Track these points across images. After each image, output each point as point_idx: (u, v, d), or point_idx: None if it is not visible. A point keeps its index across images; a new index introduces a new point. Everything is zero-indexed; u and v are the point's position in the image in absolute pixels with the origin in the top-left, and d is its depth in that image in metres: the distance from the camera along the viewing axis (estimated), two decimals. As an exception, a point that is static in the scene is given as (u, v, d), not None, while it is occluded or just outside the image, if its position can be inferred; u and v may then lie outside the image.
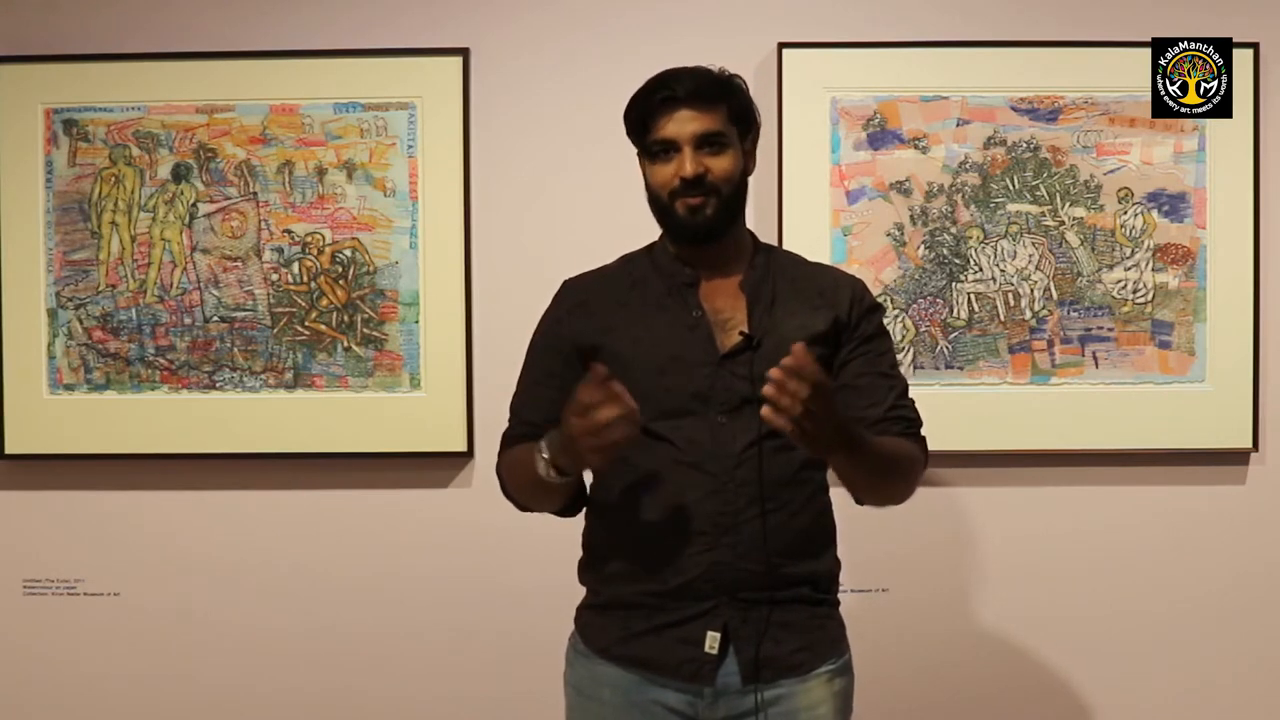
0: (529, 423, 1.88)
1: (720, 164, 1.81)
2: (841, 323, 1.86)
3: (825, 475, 1.86)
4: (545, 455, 1.72)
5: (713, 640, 1.77)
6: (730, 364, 1.80)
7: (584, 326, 1.87)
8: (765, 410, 1.56)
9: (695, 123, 1.79)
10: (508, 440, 1.93)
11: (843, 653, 1.88)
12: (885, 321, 1.95)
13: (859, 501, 1.88)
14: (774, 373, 1.55)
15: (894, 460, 1.81)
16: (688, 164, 1.79)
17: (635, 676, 1.81)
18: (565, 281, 1.96)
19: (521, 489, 1.87)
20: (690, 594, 1.78)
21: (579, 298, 1.92)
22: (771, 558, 1.78)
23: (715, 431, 1.78)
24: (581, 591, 1.93)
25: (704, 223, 1.81)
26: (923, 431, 1.91)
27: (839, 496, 1.89)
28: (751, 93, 1.88)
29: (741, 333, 1.81)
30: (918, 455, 1.86)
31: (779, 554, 1.79)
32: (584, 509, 1.92)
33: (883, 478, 1.81)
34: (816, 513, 1.86)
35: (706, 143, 1.80)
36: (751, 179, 1.90)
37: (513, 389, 2.57)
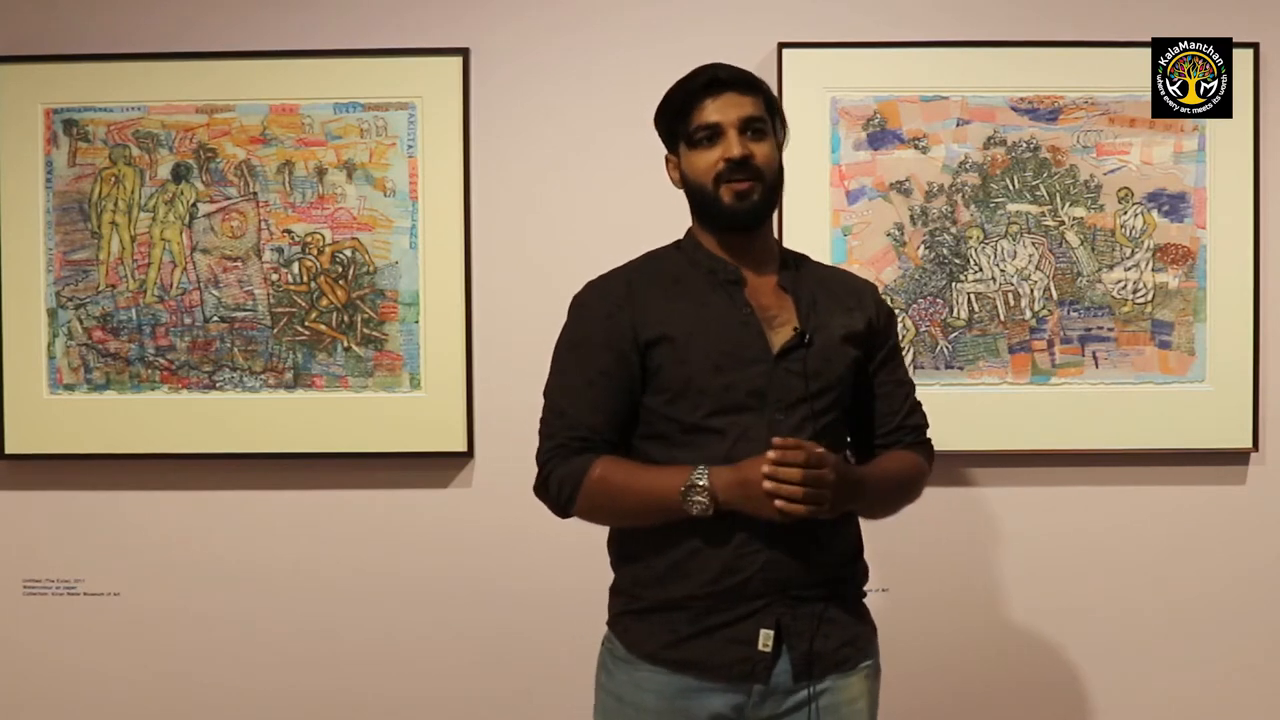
0: (590, 427, 1.81)
1: (763, 150, 1.82)
2: (874, 326, 1.90)
3: None
4: (706, 488, 1.71)
5: (766, 638, 1.77)
6: (785, 361, 1.80)
7: (640, 319, 1.82)
8: (781, 503, 1.65)
9: (739, 107, 1.80)
10: (564, 449, 1.82)
11: (877, 649, 1.91)
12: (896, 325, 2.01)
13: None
14: (766, 469, 1.65)
15: (898, 485, 1.89)
16: (734, 146, 1.79)
17: (683, 681, 1.79)
18: (597, 279, 1.90)
19: (626, 512, 1.81)
20: (743, 593, 1.77)
21: (624, 290, 1.86)
22: (823, 553, 1.80)
23: (772, 429, 1.76)
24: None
25: (750, 208, 1.81)
26: (929, 433, 1.97)
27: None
28: None
29: (795, 329, 1.81)
30: (923, 466, 1.94)
31: (829, 550, 1.81)
32: None
33: (889, 505, 1.90)
34: (854, 512, 1.89)
35: (749, 127, 1.81)
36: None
37: (512, 389, 2.59)
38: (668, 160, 1.91)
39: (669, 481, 1.74)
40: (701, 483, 1.71)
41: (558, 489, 1.82)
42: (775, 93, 2.51)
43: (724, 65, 1.84)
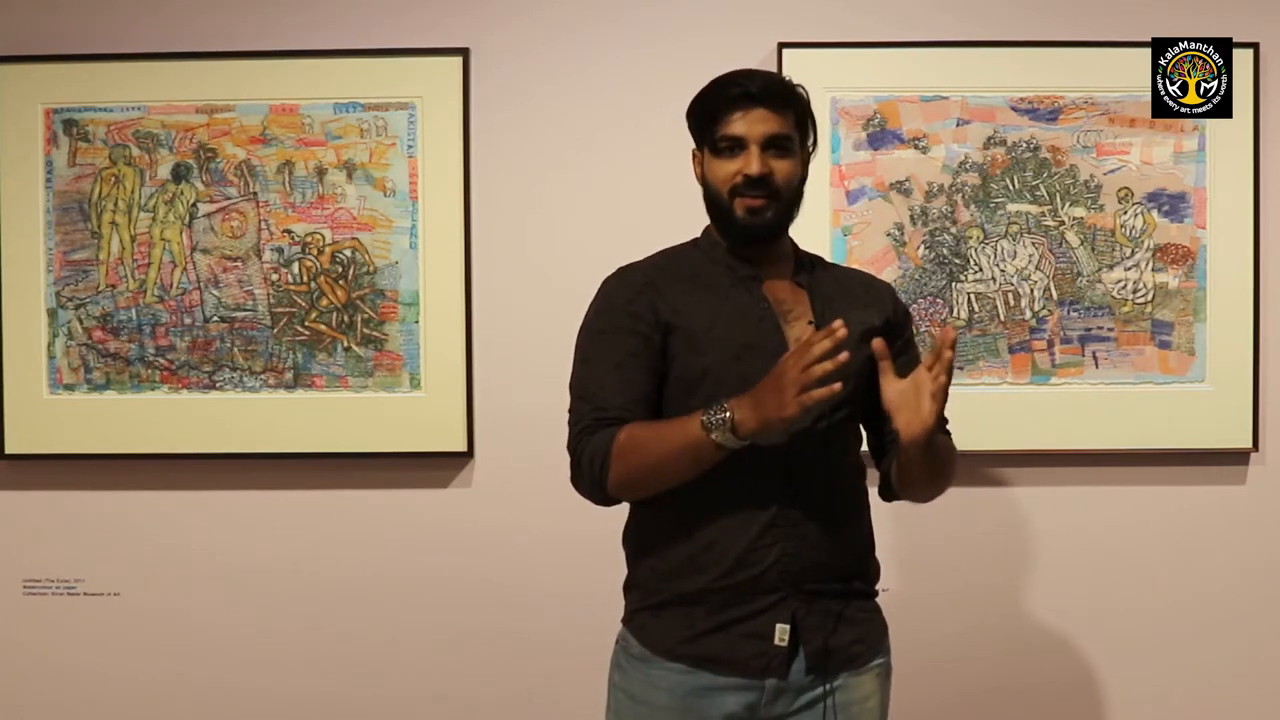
0: (620, 407, 1.79)
1: (784, 167, 1.82)
2: (890, 322, 1.91)
3: (865, 471, 1.92)
4: (726, 415, 1.67)
5: (782, 633, 1.78)
6: None
7: (661, 304, 1.83)
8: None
9: (766, 123, 1.81)
10: (591, 429, 1.80)
11: (889, 648, 1.91)
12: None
13: (896, 497, 1.92)
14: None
15: (948, 451, 1.89)
16: (754, 162, 1.80)
17: (699, 679, 1.80)
18: (618, 270, 1.91)
19: (657, 464, 1.75)
20: (758, 587, 1.78)
21: (644, 279, 1.87)
22: (837, 549, 1.81)
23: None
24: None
25: (762, 225, 1.83)
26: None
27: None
28: None
29: (810, 323, 1.82)
30: (954, 447, 1.93)
31: (842, 545, 1.82)
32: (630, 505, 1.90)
33: (945, 467, 1.88)
34: (866, 505, 1.90)
35: (773, 144, 1.81)
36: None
37: (512, 389, 2.59)
38: (694, 155, 1.91)
39: (693, 417, 1.72)
40: (724, 403, 1.69)
41: (589, 466, 1.79)
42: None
43: (762, 76, 1.83)
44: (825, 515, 1.80)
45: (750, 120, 1.80)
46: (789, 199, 1.85)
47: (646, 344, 1.82)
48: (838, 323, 1.64)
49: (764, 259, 1.88)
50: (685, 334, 1.81)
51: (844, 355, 1.63)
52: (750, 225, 1.83)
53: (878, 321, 1.89)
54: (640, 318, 1.83)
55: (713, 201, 1.86)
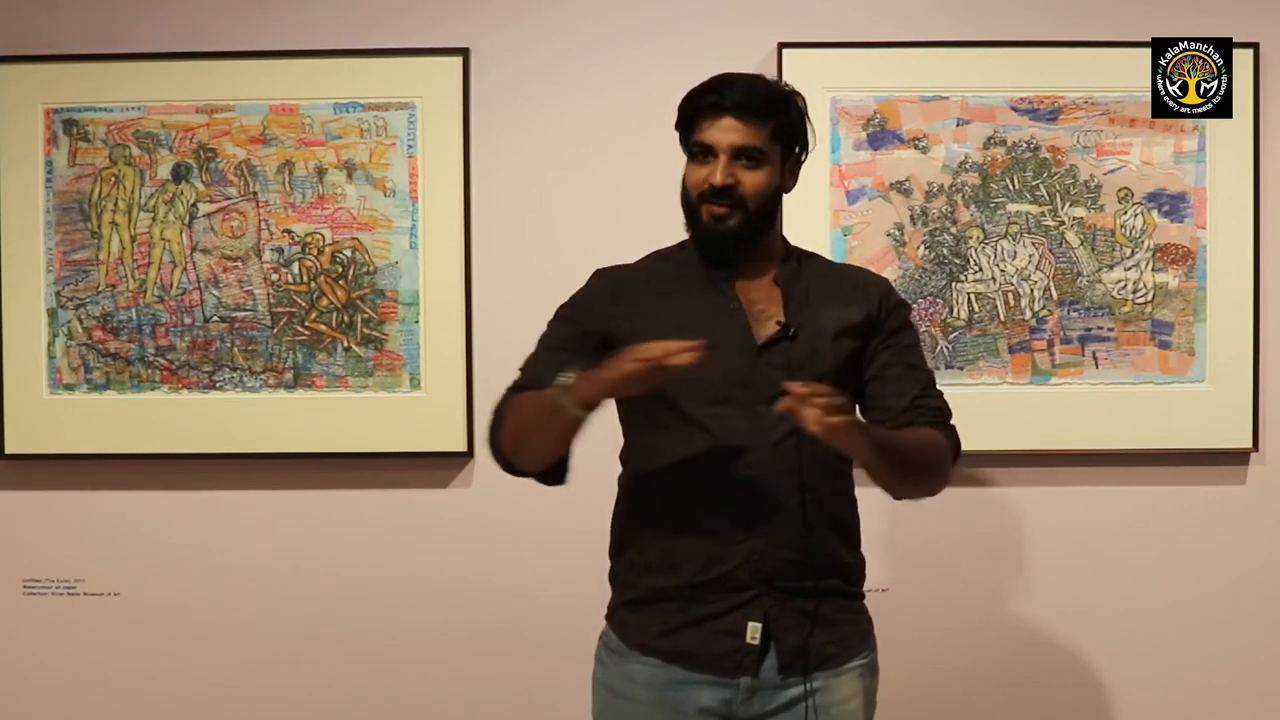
0: (540, 381, 1.82)
1: (753, 179, 1.82)
2: (873, 317, 1.89)
3: (852, 468, 1.89)
4: (571, 377, 1.71)
5: (754, 631, 1.78)
6: (768, 354, 1.81)
7: (613, 313, 1.87)
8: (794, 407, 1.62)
9: (735, 134, 1.80)
10: (513, 392, 1.88)
11: (872, 648, 1.90)
12: (910, 318, 1.99)
13: (896, 497, 1.90)
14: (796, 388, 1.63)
15: (919, 450, 1.84)
16: (718, 173, 1.80)
17: (673, 674, 1.81)
18: (600, 269, 1.96)
19: (526, 424, 1.80)
20: (729, 584, 1.79)
21: (613, 285, 1.92)
22: (810, 546, 1.80)
23: (755, 420, 1.79)
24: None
25: (725, 233, 1.83)
26: (952, 421, 1.93)
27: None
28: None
29: (778, 322, 1.82)
30: (944, 443, 1.88)
31: (816, 544, 1.81)
32: (566, 479, 1.90)
33: (911, 470, 1.83)
34: (847, 504, 1.89)
35: (744, 155, 1.81)
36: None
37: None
38: None
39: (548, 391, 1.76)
40: (571, 369, 1.74)
41: (492, 423, 1.87)
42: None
43: (737, 86, 1.82)
44: (799, 514, 1.79)
45: (720, 129, 1.81)
46: (756, 210, 1.83)
47: (583, 341, 1.86)
48: (698, 343, 1.64)
49: (742, 259, 1.88)
50: (648, 337, 1.78)
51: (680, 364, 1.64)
52: (713, 231, 1.84)
53: (857, 318, 1.87)
54: (588, 320, 1.89)
55: (684, 204, 1.88)
